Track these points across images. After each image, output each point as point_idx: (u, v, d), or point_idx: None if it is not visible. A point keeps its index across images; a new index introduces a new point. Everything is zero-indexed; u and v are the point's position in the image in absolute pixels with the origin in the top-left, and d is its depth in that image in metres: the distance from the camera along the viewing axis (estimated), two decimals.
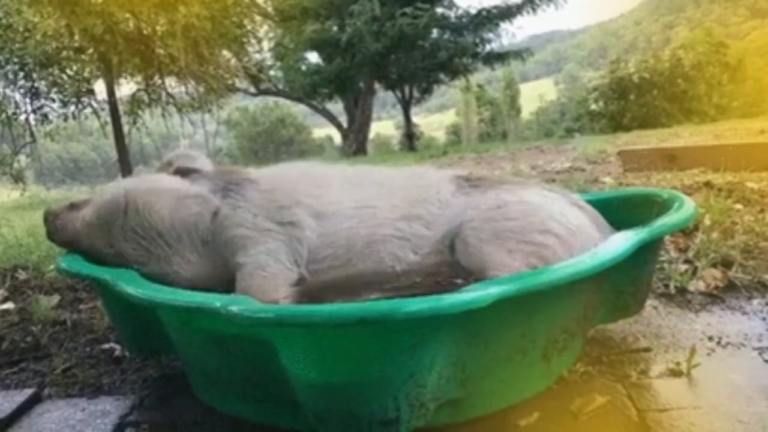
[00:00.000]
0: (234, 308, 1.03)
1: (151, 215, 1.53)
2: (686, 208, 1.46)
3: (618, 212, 1.62)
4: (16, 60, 12.42)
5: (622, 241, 1.27)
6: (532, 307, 1.16)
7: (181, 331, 1.28)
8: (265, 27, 21.74)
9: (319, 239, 1.48)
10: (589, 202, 1.59)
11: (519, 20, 19.43)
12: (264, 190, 1.56)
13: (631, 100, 22.19)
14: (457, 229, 1.44)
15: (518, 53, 20.10)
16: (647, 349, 1.47)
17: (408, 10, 16.81)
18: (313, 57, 21.80)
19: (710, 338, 1.50)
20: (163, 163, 1.74)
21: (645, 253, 1.36)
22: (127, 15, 10.26)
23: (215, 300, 1.09)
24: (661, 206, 1.56)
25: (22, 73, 13.04)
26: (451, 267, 1.44)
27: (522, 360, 1.21)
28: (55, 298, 2.30)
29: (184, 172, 1.64)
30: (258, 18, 19.13)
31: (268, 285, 1.43)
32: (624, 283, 1.44)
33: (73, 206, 1.60)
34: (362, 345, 1.01)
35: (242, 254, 1.48)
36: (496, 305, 1.02)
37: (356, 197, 1.55)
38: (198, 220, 1.53)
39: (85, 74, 13.45)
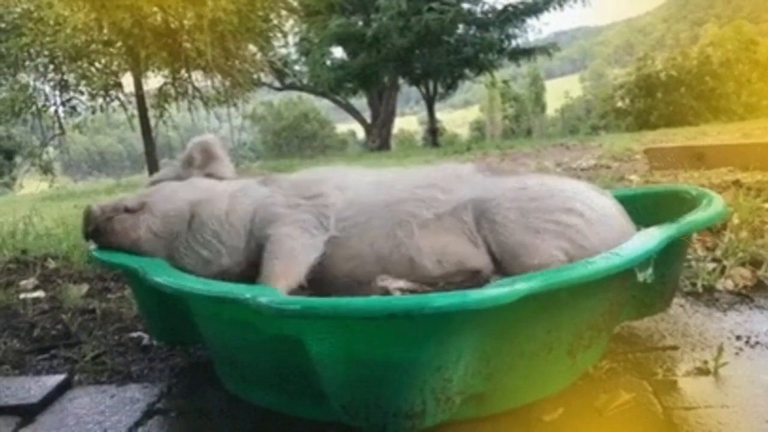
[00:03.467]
0: (263, 299, 1.04)
1: (213, 222, 1.59)
2: (715, 205, 1.45)
3: (646, 209, 1.61)
4: (46, 53, 12.57)
5: (650, 238, 1.26)
6: (558, 303, 1.15)
7: (209, 320, 1.30)
8: (291, 21, 21.79)
9: (343, 204, 1.57)
10: (617, 198, 1.58)
11: (545, 16, 19.32)
12: (293, 180, 1.68)
13: (658, 97, 21.94)
14: (479, 202, 1.47)
15: (544, 49, 19.95)
16: (674, 347, 1.46)
17: (434, 5, 16.76)
18: (338, 52, 21.85)
19: (738, 337, 1.48)
20: (186, 158, 1.76)
21: (673, 249, 1.35)
22: (155, 9, 10.35)
23: (244, 290, 1.11)
24: (690, 203, 1.54)
25: (51, 66, 13.20)
26: (468, 236, 1.46)
27: (547, 355, 1.21)
28: (84, 287, 2.35)
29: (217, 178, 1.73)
30: (284, 12, 19.21)
31: (296, 249, 1.51)
32: (651, 280, 1.43)
33: (128, 209, 1.59)
34: (389, 339, 1.01)
35: (272, 227, 1.56)
36: (522, 301, 1.02)
37: (379, 176, 1.68)
38: (249, 210, 1.61)
39: (114, 67, 13.59)
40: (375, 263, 1.48)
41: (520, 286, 1.04)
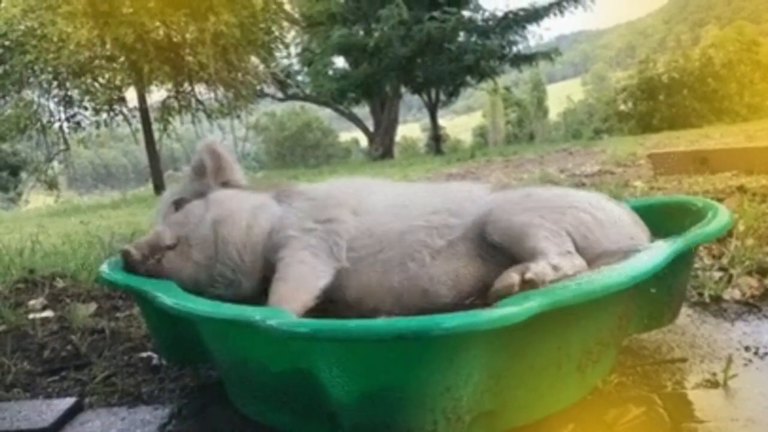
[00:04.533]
0: (272, 322, 1.05)
1: (236, 241, 1.60)
2: (721, 217, 1.45)
3: (651, 220, 1.61)
4: (50, 69, 12.68)
5: (658, 252, 1.27)
6: (567, 319, 1.16)
7: (219, 342, 1.30)
8: (293, 32, 21.93)
9: (357, 231, 1.56)
10: None
11: (546, 22, 19.28)
12: (310, 198, 1.65)
13: (660, 100, 21.96)
14: (486, 216, 1.47)
15: (546, 54, 19.98)
16: (683, 360, 1.46)
17: (435, 14, 16.82)
18: (340, 62, 21.92)
19: (747, 348, 1.48)
20: (197, 166, 1.73)
21: (679, 262, 1.35)
22: (158, 24, 10.42)
23: (254, 313, 1.12)
24: (696, 214, 1.55)
25: (55, 82, 13.32)
26: (481, 257, 1.46)
27: (557, 371, 1.21)
28: (93, 306, 2.35)
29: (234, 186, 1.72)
30: (285, 24, 19.30)
31: (305, 274, 1.50)
32: (659, 293, 1.43)
33: (170, 248, 1.57)
34: (399, 360, 1.02)
35: (284, 251, 1.55)
36: (532, 318, 1.03)
37: (396, 197, 1.66)
38: (266, 230, 1.61)
39: (117, 82, 13.68)
40: (387, 294, 1.49)
41: (530, 304, 1.04)
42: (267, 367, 1.21)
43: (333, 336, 1.01)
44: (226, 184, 1.71)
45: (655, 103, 22.11)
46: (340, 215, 1.59)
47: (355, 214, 1.59)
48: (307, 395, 1.16)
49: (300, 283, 1.48)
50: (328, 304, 1.50)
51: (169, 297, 1.29)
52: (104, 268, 1.57)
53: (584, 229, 1.38)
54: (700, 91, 22.05)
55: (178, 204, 1.68)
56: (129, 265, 1.53)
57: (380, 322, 1.03)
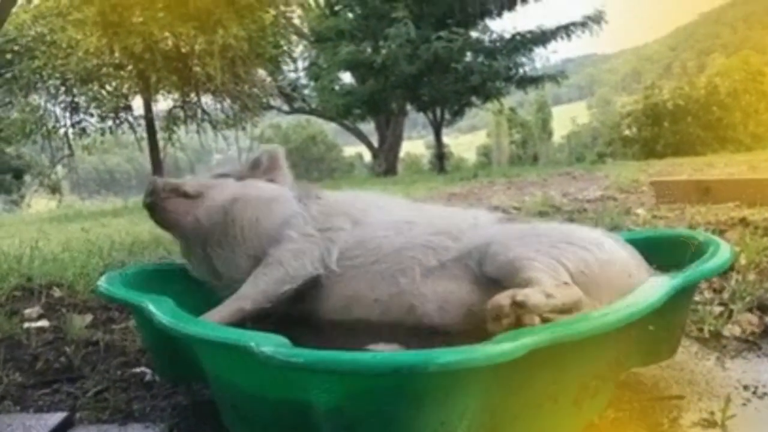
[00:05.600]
0: (267, 349, 1.04)
1: (245, 226, 1.70)
2: (722, 253, 1.45)
3: (652, 252, 1.60)
4: (58, 75, 12.76)
5: (656, 289, 1.26)
6: (564, 354, 1.14)
7: (213, 363, 1.29)
8: (301, 47, 22.06)
9: (354, 241, 1.61)
10: (625, 241, 1.58)
11: (553, 44, 19.31)
12: (322, 205, 1.73)
13: (665, 126, 22.02)
14: (485, 247, 1.47)
15: (552, 77, 19.99)
16: (680, 397, 1.44)
17: (443, 33, 16.86)
18: (347, 77, 21.99)
19: (746, 387, 1.46)
20: (254, 162, 1.88)
21: (679, 297, 1.34)
22: (167, 34, 10.49)
23: (250, 338, 1.11)
24: (696, 249, 1.54)
25: (63, 88, 13.39)
26: (474, 283, 1.46)
27: (553, 406, 1.19)
28: (89, 317, 2.34)
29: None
30: (294, 38, 19.43)
31: (276, 276, 1.59)
32: (657, 328, 1.42)
33: (187, 195, 1.73)
34: (393, 394, 1.01)
35: (274, 248, 1.64)
36: (528, 353, 1.02)
37: (399, 216, 1.69)
38: (279, 225, 1.69)
39: (124, 90, 13.76)
40: (374, 304, 1.51)
41: (527, 340, 1.04)
42: (260, 392, 1.19)
43: (328, 367, 1.00)
44: (271, 181, 1.83)
45: (659, 129, 22.16)
46: (341, 224, 1.65)
47: (356, 223, 1.65)
48: (299, 423, 1.15)
49: (266, 285, 1.58)
50: (309, 314, 1.58)
51: (166, 315, 1.28)
52: (102, 281, 1.56)
53: (582, 265, 1.37)
54: (704, 119, 22.10)
55: (219, 176, 1.86)
56: (147, 191, 1.72)
57: (376, 355, 1.02)
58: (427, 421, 1.01)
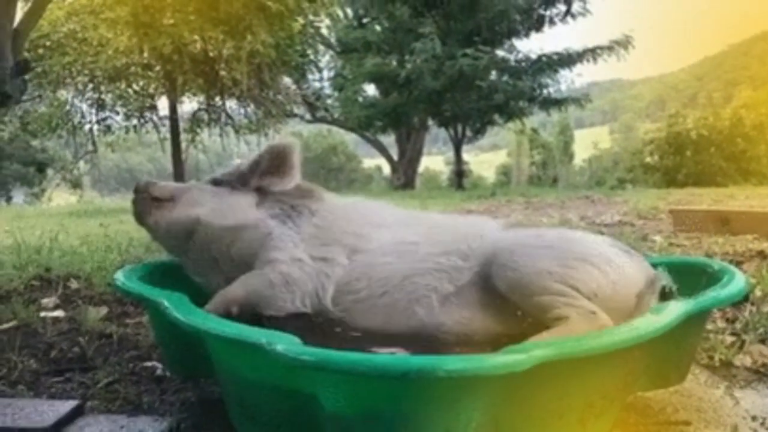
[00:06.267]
0: (279, 347, 1.05)
1: (213, 250, 1.66)
2: (736, 282, 1.44)
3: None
4: (87, 72, 12.92)
5: (667, 313, 1.26)
6: (571, 370, 1.15)
7: (224, 359, 1.31)
8: (327, 57, 22.22)
9: (353, 274, 1.54)
10: None
11: (579, 67, 19.27)
12: (315, 225, 1.64)
13: (687, 156, 21.86)
14: (492, 257, 1.45)
15: (576, 100, 19.97)
16: (686, 423, 1.44)
17: (469, 51, 16.91)
18: (371, 89, 22.11)
19: (753, 418, 1.46)
20: (253, 162, 1.76)
21: (691, 324, 1.34)
22: (196, 37, 10.62)
23: (261, 335, 1.13)
24: (711, 277, 1.54)
25: (91, 85, 13.55)
26: (491, 305, 1.43)
27: (557, 422, 1.20)
28: (104, 310, 2.37)
29: (264, 192, 1.73)
30: (321, 47, 19.57)
31: (266, 298, 1.54)
32: (667, 353, 1.42)
33: (156, 198, 1.71)
34: (402, 397, 1.02)
35: (260, 265, 1.59)
36: (535, 367, 1.03)
37: (402, 235, 1.61)
38: (253, 250, 1.62)
39: (150, 90, 13.93)
40: (390, 339, 1.45)
41: (536, 353, 1.04)
42: (269, 390, 1.21)
43: (338, 367, 1.01)
44: (262, 190, 1.73)
45: (681, 159, 22.01)
46: (336, 256, 1.57)
47: (354, 251, 1.57)
48: (307, 423, 1.16)
49: (255, 297, 1.54)
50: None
51: (179, 310, 1.30)
52: (119, 275, 1.59)
53: (595, 286, 1.36)
54: (728, 151, 21.91)
55: (213, 181, 1.79)
56: (135, 188, 1.75)
57: (386, 358, 1.04)
58: (432, 426, 1.02)
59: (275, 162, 1.73)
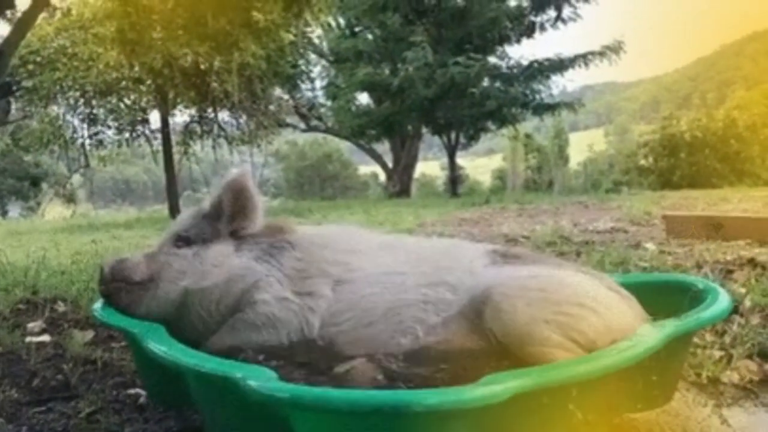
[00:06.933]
0: (253, 383, 1.04)
1: (203, 311, 1.61)
2: (720, 302, 1.43)
3: (651, 297, 1.59)
4: (77, 87, 12.94)
5: (649, 337, 1.25)
6: (552, 398, 1.14)
7: (203, 393, 1.29)
8: (319, 67, 22.26)
9: (338, 305, 1.52)
10: (624, 284, 1.57)
11: (570, 72, 19.28)
12: (297, 258, 1.61)
13: (681, 158, 21.91)
14: (484, 295, 1.42)
15: (569, 104, 19.98)
16: None
17: (460, 59, 16.90)
18: (364, 98, 22.13)
19: None
20: (214, 204, 1.69)
21: (675, 345, 1.33)
22: (186, 51, 10.62)
23: (237, 370, 1.11)
24: (695, 295, 1.53)
25: (82, 100, 13.58)
26: (478, 335, 1.41)
27: None
28: (89, 334, 2.35)
29: (237, 236, 1.67)
30: (313, 57, 19.59)
31: (251, 341, 1.52)
32: (652, 375, 1.40)
33: (137, 283, 1.60)
34: (376, 430, 1.01)
35: (246, 306, 1.56)
36: (513, 396, 1.01)
37: (386, 263, 1.59)
38: (242, 298, 1.58)
39: (142, 104, 13.96)
40: (375, 370, 1.41)
41: (512, 383, 1.04)
42: (247, 423, 1.20)
43: (310, 404, 1.00)
44: (235, 233, 1.66)
45: (676, 161, 22.04)
46: (320, 289, 1.55)
47: (339, 282, 1.55)
48: None
49: (241, 342, 1.52)
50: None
51: (157, 344, 1.29)
52: (97, 306, 1.58)
53: (592, 333, 1.34)
54: (722, 152, 21.95)
55: (178, 239, 1.67)
56: (99, 279, 1.61)
57: (359, 393, 1.02)
58: None
59: (238, 201, 1.66)
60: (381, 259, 1.60)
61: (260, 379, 1.07)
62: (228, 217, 1.66)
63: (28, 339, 2.31)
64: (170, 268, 1.62)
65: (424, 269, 1.54)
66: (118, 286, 1.59)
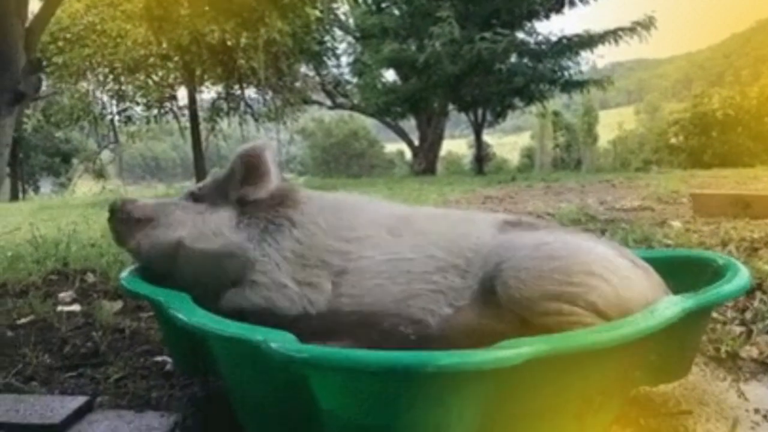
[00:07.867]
0: (274, 344, 1.08)
1: (196, 272, 1.61)
2: (740, 278, 1.42)
3: (672, 272, 1.58)
4: (106, 64, 13.09)
5: (667, 309, 1.25)
6: (567, 366, 1.15)
7: (225, 358, 1.33)
8: (345, 43, 22.19)
9: (342, 299, 1.48)
10: (644, 260, 1.56)
11: (600, 49, 18.93)
12: (297, 239, 1.57)
13: (713, 136, 21.57)
14: (493, 271, 1.40)
15: (598, 81, 19.68)
16: (688, 412, 1.43)
17: (487, 34, 16.68)
18: (390, 75, 22.03)
19: (756, 411, 1.45)
20: (228, 171, 1.69)
21: (692, 319, 1.33)
22: (213, 27, 10.66)
23: (258, 333, 1.15)
24: (715, 271, 1.53)
25: (111, 77, 13.75)
26: (491, 318, 1.39)
27: (553, 417, 1.20)
28: (119, 304, 2.42)
29: (243, 203, 1.65)
30: (338, 33, 19.52)
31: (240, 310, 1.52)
32: (669, 348, 1.41)
33: (139, 221, 1.64)
34: (392, 392, 1.04)
35: (243, 284, 1.55)
36: (528, 363, 1.03)
37: (392, 249, 1.53)
38: (236, 276, 1.58)
39: (170, 80, 14.08)
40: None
41: (525, 349, 1.05)
42: (268, 387, 1.23)
43: (329, 364, 1.03)
44: (242, 200, 1.65)
45: (707, 139, 21.72)
46: (320, 281, 1.50)
47: (340, 273, 1.50)
48: (306, 419, 1.18)
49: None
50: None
51: (181, 311, 1.33)
52: (124, 275, 1.62)
53: (602, 303, 1.31)
54: (755, 130, 21.55)
55: (191, 195, 1.71)
56: (109, 208, 1.69)
57: (375, 354, 1.05)
58: (421, 423, 1.03)
59: (249, 170, 1.66)
60: (389, 243, 1.54)
61: (281, 341, 1.10)
62: (237, 182, 1.66)
63: (59, 308, 2.39)
64: (171, 215, 1.64)
65: (432, 251, 1.49)
66: (120, 218, 1.66)
